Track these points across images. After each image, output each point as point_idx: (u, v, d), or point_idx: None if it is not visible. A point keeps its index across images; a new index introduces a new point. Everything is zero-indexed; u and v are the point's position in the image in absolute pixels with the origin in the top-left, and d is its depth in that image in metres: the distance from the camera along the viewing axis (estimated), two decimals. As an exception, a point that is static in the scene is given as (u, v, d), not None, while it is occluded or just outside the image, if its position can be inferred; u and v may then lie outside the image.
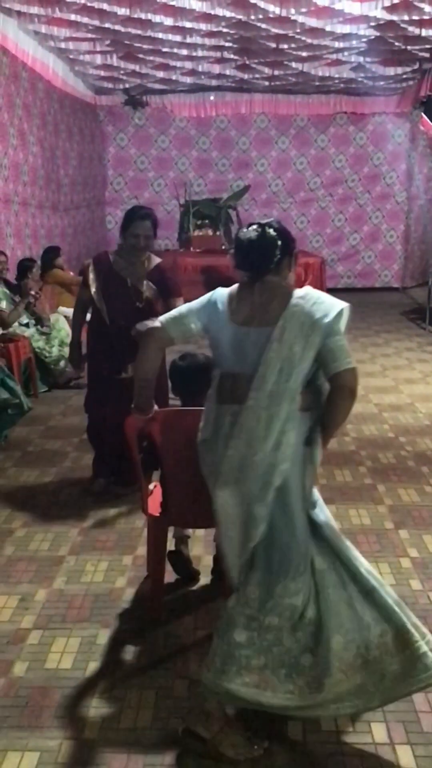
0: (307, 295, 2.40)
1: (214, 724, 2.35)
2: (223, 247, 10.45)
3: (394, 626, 2.38)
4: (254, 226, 2.46)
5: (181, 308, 2.60)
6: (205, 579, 3.42)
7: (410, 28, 7.26)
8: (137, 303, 4.03)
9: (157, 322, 2.59)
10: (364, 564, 2.45)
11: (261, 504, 2.34)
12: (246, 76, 9.91)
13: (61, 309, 7.34)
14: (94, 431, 4.47)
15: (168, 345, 2.62)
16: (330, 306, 2.35)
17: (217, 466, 2.41)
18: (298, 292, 2.42)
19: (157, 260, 4.17)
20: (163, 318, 2.59)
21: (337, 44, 7.98)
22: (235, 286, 2.51)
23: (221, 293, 2.53)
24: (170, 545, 3.33)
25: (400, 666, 2.35)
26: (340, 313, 2.33)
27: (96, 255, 4.26)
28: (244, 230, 2.48)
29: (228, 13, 6.74)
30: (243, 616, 2.37)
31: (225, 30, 7.37)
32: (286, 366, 2.31)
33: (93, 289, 4.06)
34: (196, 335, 2.57)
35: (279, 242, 2.43)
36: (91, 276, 4.09)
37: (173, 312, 2.60)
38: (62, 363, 6.76)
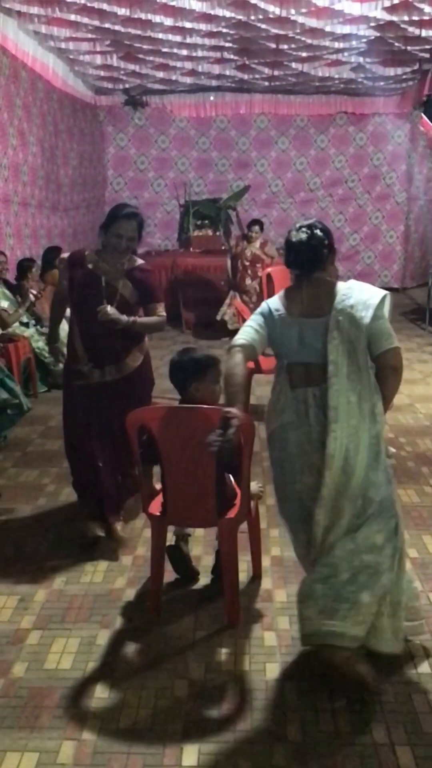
0: (352, 286, 2.75)
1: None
2: (223, 248, 10.45)
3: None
4: (303, 229, 2.77)
5: (250, 324, 2.86)
6: (204, 579, 3.42)
7: (410, 29, 7.26)
8: (109, 305, 3.61)
9: (241, 341, 2.82)
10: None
11: (376, 470, 2.69)
12: (246, 77, 9.90)
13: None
14: (72, 449, 3.93)
15: (254, 358, 2.91)
16: (373, 294, 2.70)
17: (311, 446, 2.70)
18: (343, 284, 2.76)
19: (139, 261, 3.81)
20: (243, 338, 2.82)
21: (337, 45, 7.98)
22: (283, 291, 2.85)
23: (272, 299, 2.87)
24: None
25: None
26: (382, 300, 2.68)
27: (72, 251, 3.95)
28: (294, 232, 2.77)
29: (228, 14, 6.74)
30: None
31: (225, 30, 7.36)
32: (351, 350, 2.65)
33: (65, 286, 3.80)
34: (267, 341, 2.85)
35: (326, 242, 2.77)
36: (64, 283, 3.81)
37: (248, 330, 2.84)
38: (61, 364, 6.74)
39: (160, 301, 3.81)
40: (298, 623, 2.70)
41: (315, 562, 2.73)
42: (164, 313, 3.82)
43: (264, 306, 2.87)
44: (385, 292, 2.72)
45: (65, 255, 4.02)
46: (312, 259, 2.76)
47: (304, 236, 2.75)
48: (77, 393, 3.81)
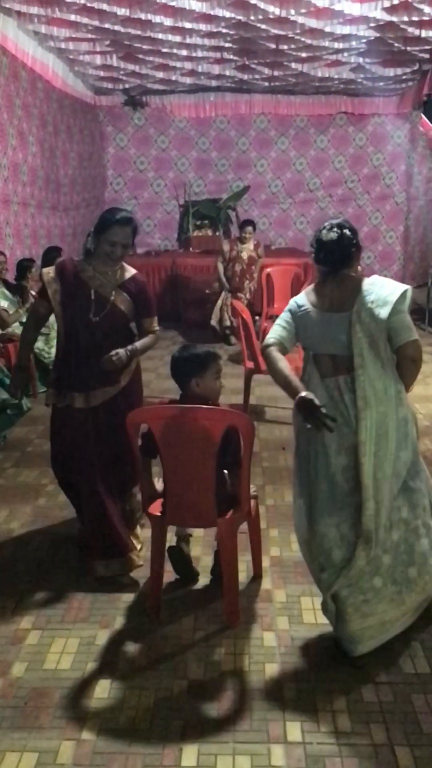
0: (375, 282, 2.90)
1: None
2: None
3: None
4: (334, 228, 2.92)
5: (279, 322, 3.05)
6: (204, 579, 3.42)
7: (410, 29, 7.26)
8: (94, 318, 3.36)
9: (271, 340, 3.01)
10: None
11: (405, 449, 2.91)
12: (246, 77, 9.90)
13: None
14: (68, 488, 3.66)
15: (286, 353, 3.04)
16: (394, 289, 2.85)
17: (347, 427, 2.83)
18: (368, 280, 2.92)
19: (132, 271, 3.52)
20: (273, 336, 3.01)
21: (336, 45, 7.98)
22: (311, 286, 3.06)
23: (299, 296, 3.07)
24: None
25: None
26: (403, 294, 2.82)
27: (59, 261, 3.58)
28: (325, 231, 2.93)
29: (228, 14, 6.74)
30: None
31: (225, 31, 7.36)
32: (372, 343, 2.82)
33: (57, 300, 3.39)
34: (295, 336, 3.04)
35: (354, 241, 2.93)
36: (54, 286, 3.39)
37: (276, 329, 3.04)
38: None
39: (154, 315, 3.58)
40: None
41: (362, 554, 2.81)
42: (158, 327, 3.59)
43: (292, 303, 3.06)
44: (405, 287, 2.86)
45: (48, 269, 3.50)
46: (341, 258, 2.92)
47: (334, 235, 2.90)
48: (63, 419, 3.47)
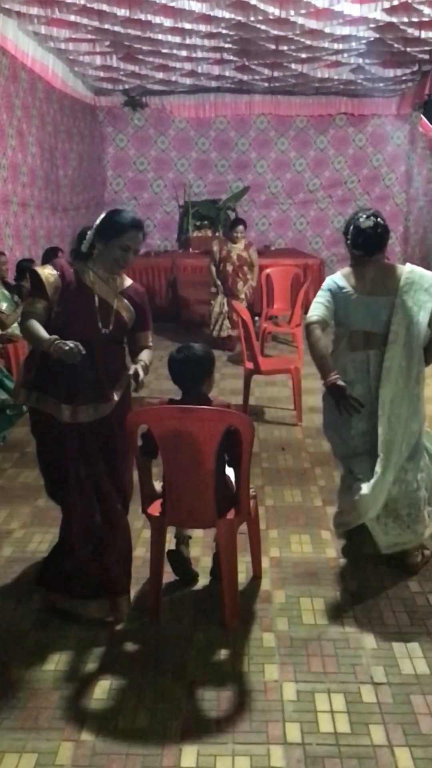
0: (413, 270, 3.32)
1: None
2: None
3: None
4: (371, 217, 3.31)
5: (320, 300, 3.40)
6: (203, 580, 3.42)
7: (409, 30, 7.26)
8: (103, 329, 3.04)
9: (315, 317, 3.36)
10: None
11: (416, 422, 3.36)
12: (245, 78, 9.91)
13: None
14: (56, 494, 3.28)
15: (326, 329, 3.39)
16: (430, 280, 3.28)
17: (371, 396, 3.29)
18: (406, 268, 3.33)
19: (128, 279, 3.22)
20: (317, 314, 3.37)
21: (336, 46, 7.98)
22: (346, 269, 3.43)
23: (336, 278, 3.42)
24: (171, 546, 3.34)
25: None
26: None
27: (55, 261, 3.17)
28: (363, 220, 3.31)
29: (227, 15, 6.75)
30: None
31: (224, 31, 7.37)
32: (409, 325, 3.24)
33: (56, 300, 3.00)
34: (333, 314, 3.40)
35: (387, 228, 3.34)
36: (55, 284, 3.01)
37: (319, 306, 3.39)
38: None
39: (150, 329, 3.28)
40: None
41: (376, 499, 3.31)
42: (152, 342, 3.28)
43: (330, 283, 3.42)
44: None
45: (47, 267, 3.09)
46: (378, 243, 3.33)
47: (371, 223, 3.30)
48: (51, 435, 3.11)
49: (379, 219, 3.31)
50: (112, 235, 3.01)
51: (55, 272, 3.03)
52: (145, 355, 3.18)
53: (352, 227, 3.35)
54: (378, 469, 3.25)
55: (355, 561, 3.61)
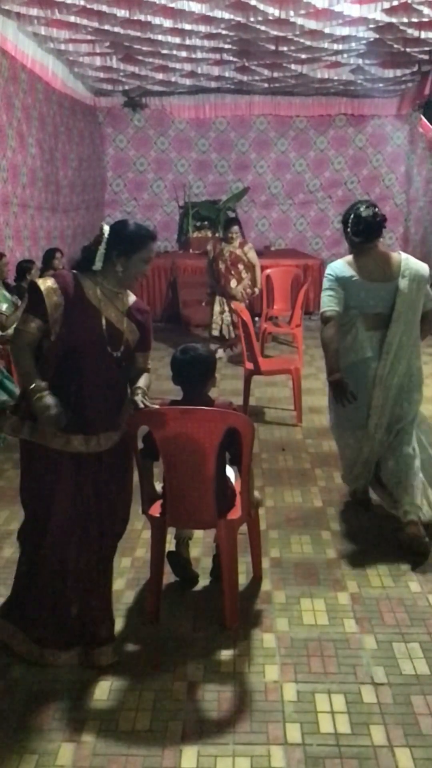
0: (408, 258, 3.86)
1: None
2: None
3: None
4: (369, 207, 3.81)
5: (329, 293, 3.78)
6: (204, 581, 3.42)
7: (409, 31, 7.26)
8: (113, 352, 2.81)
9: (330, 312, 3.76)
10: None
11: (417, 392, 3.90)
12: (245, 78, 9.91)
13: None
14: (29, 561, 2.99)
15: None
16: (425, 266, 3.85)
17: (375, 370, 3.81)
18: (402, 256, 3.85)
19: (132, 296, 2.96)
20: (333, 308, 3.76)
21: (336, 46, 7.98)
22: (347, 257, 3.87)
23: (339, 267, 3.83)
24: (171, 547, 3.34)
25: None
26: (429, 272, 3.84)
27: (57, 273, 2.86)
28: (362, 209, 3.78)
29: (227, 15, 6.75)
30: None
31: (224, 32, 7.37)
32: (410, 305, 3.77)
33: (58, 318, 2.70)
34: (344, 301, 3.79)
35: (384, 216, 3.82)
36: (56, 299, 2.70)
37: (330, 299, 3.77)
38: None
39: (150, 349, 3.07)
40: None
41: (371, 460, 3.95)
42: (150, 364, 3.07)
43: (337, 273, 3.80)
44: (427, 267, 3.86)
45: (48, 280, 2.76)
46: (377, 231, 3.80)
47: (371, 212, 3.78)
48: (47, 465, 2.90)
49: (377, 209, 3.80)
50: (135, 249, 2.77)
51: (57, 287, 2.71)
52: (143, 381, 2.96)
53: (352, 216, 3.80)
54: (370, 424, 3.83)
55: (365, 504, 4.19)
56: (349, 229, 3.81)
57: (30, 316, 2.74)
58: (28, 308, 2.78)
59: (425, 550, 3.59)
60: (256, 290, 8.16)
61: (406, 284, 3.74)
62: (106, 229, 2.79)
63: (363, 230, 3.76)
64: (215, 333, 8.11)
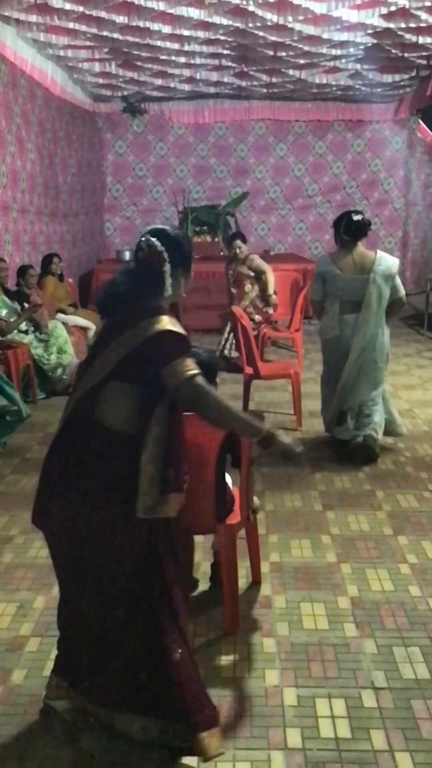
0: (382, 256, 4.91)
1: None
2: (222, 253, 10.43)
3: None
4: (359, 214, 4.97)
5: (317, 284, 5.03)
6: (203, 586, 3.41)
7: (407, 36, 7.29)
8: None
9: (317, 298, 5.10)
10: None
11: (382, 361, 5.02)
12: (244, 84, 9.94)
13: (60, 316, 7.34)
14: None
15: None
16: (395, 262, 4.96)
17: (348, 347, 4.92)
18: (378, 254, 4.92)
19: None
20: (318, 296, 5.08)
21: (334, 52, 8.01)
22: (334, 252, 5.06)
23: (321, 261, 5.13)
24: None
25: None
26: (397, 267, 4.93)
27: (171, 317, 2.35)
28: (353, 215, 4.92)
29: (226, 21, 6.77)
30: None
31: (223, 38, 7.39)
32: (378, 295, 4.84)
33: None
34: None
35: (370, 222, 5.05)
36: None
37: (318, 289, 5.04)
38: (59, 370, 6.76)
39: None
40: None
41: (341, 405, 5.07)
42: None
43: (321, 268, 5.00)
44: (397, 260, 5.03)
45: (176, 323, 2.34)
46: (363, 233, 4.96)
47: (360, 217, 4.92)
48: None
49: (365, 216, 4.97)
50: (189, 264, 2.51)
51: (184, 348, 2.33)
52: None
53: (345, 219, 4.93)
54: (343, 376, 4.94)
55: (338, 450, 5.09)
56: (341, 229, 4.90)
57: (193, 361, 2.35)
58: (189, 354, 2.34)
59: (375, 455, 4.97)
60: (273, 298, 7.65)
61: (376, 278, 4.80)
62: (158, 243, 2.39)
63: (353, 231, 4.87)
64: (226, 353, 7.73)
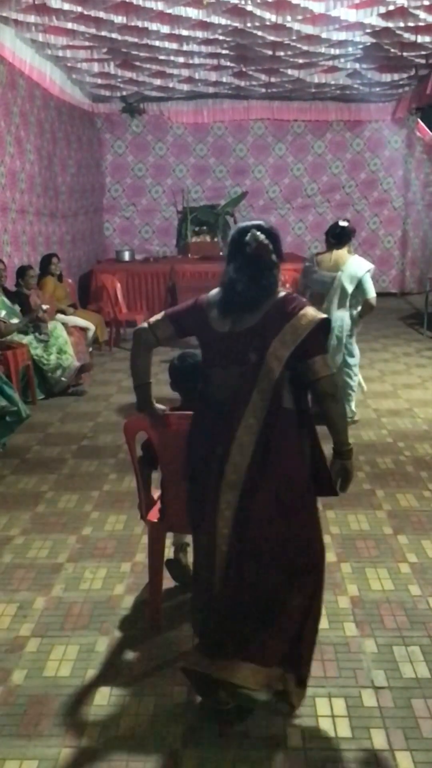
0: (354, 259, 5.49)
1: None
2: (221, 253, 10.43)
3: None
4: (345, 222, 5.66)
5: (300, 276, 5.90)
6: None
7: (405, 35, 7.29)
8: None
9: (299, 289, 5.75)
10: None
11: (349, 337, 5.66)
12: (243, 83, 9.94)
13: (59, 316, 7.34)
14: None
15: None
16: (364, 266, 5.47)
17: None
18: (353, 257, 5.52)
19: None
20: (300, 285, 5.87)
21: (332, 51, 8.01)
22: (321, 252, 5.73)
23: (308, 257, 5.96)
24: (170, 553, 3.33)
25: None
26: (366, 272, 5.45)
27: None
28: (341, 222, 5.64)
29: (224, 21, 6.77)
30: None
31: (221, 38, 7.39)
32: (342, 291, 5.42)
33: None
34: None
35: (353, 231, 5.75)
36: None
37: (303, 280, 5.81)
38: (59, 371, 6.76)
39: None
40: None
41: None
42: None
43: (306, 264, 5.80)
44: (369, 267, 5.53)
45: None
46: (348, 238, 5.57)
47: (346, 224, 5.60)
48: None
49: (349, 224, 5.69)
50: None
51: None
52: None
53: (332, 225, 5.65)
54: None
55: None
56: (329, 234, 5.60)
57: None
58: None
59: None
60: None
61: (342, 276, 5.40)
62: (263, 237, 2.45)
63: (337, 234, 5.54)
64: None
